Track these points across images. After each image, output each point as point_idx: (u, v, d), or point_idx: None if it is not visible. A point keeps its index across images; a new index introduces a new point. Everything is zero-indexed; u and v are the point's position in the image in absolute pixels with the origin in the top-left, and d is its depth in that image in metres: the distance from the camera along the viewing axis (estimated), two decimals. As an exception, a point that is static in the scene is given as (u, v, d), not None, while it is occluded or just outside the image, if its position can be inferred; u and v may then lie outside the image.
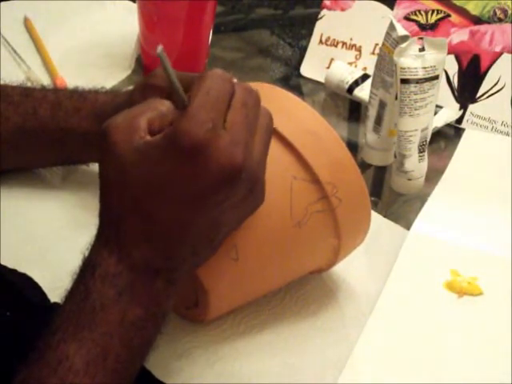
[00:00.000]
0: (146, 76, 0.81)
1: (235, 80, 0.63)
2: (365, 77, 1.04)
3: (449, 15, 1.05)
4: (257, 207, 0.64)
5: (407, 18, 1.06)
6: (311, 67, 1.09)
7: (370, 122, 0.94)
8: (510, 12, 1.03)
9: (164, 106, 0.62)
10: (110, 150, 0.60)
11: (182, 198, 0.59)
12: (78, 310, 0.60)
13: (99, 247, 0.61)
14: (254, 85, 0.76)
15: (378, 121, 0.93)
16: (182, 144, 0.58)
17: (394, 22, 0.89)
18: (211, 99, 0.59)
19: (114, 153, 0.60)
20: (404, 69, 0.86)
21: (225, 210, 0.61)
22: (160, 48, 0.58)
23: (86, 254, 0.62)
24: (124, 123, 0.61)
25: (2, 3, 1.13)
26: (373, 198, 0.89)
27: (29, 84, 0.90)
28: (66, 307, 0.61)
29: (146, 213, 0.60)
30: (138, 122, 0.60)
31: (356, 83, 1.04)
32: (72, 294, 0.61)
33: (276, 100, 0.73)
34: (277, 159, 0.70)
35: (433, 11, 1.06)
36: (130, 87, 0.85)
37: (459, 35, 1.04)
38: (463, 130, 1.01)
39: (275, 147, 0.70)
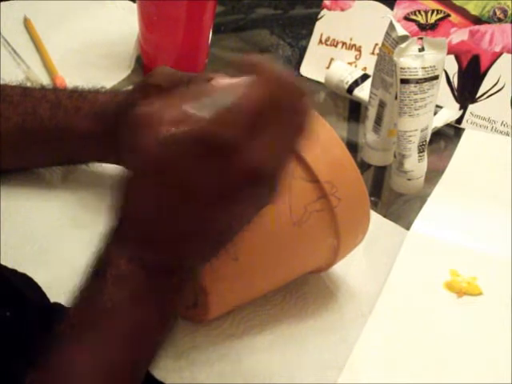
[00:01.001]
0: (146, 76, 0.81)
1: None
2: (365, 77, 1.04)
3: (449, 15, 1.05)
4: (264, 205, 0.63)
5: (407, 18, 1.06)
6: (311, 67, 1.09)
7: (370, 122, 0.94)
8: (509, 12, 1.03)
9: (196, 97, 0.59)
10: (136, 138, 0.59)
11: (202, 197, 0.58)
12: (87, 310, 0.59)
13: (112, 246, 0.60)
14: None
15: (378, 121, 0.93)
16: (212, 144, 0.56)
17: (394, 22, 0.89)
18: (248, 102, 0.57)
19: (138, 142, 0.59)
20: (404, 69, 0.86)
21: (241, 212, 0.60)
22: None
23: (97, 252, 0.61)
24: (152, 112, 0.59)
25: (2, 3, 1.13)
26: (373, 198, 0.89)
27: (28, 84, 0.90)
28: (75, 307, 0.60)
29: (169, 209, 0.58)
30: (166, 113, 0.58)
31: (356, 83, 1.04)
32: (82, 293, 0.60)
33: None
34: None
35: (433, 11, 1.06)
36: (130, 87, 0.85)
37: (459, 35, 1.04)
38: (463, 130, 1.01)
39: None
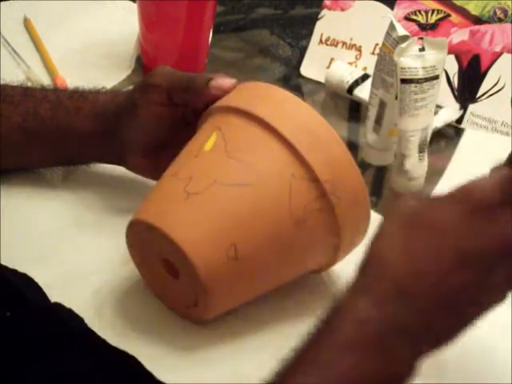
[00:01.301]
0: (146, 76, 0.81)
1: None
2: (365, 77, 1.04)
3: (449, 15, 1.05)
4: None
5: (407, 18, 1.06)
6: (311, 67, 1.09)
7: (370, 122, 0.94)
8: (510, 12, 1.03)
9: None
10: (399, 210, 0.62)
11: (464, 255, 0.59)
12: (322, 345, 0.58)
13: (356, 288, 0.60)
14: (252, 84, 0.76)
15: (378, 121, 0.93)
16: (473, 199, 0.60)
17: (394, 21, 0.89)
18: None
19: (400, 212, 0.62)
20: (404, 69, 0.86)
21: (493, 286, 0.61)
22: None
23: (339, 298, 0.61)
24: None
25: (2, 3, 1.13)
26: (373, 198, 0.89)
27: (29, 84, 0.90)
28: (310, 342, 0.60)
29: (424, 271, 0.59)
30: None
31: (356, 83, 1.04)
32: (318, 332, 0.60)
33: (274, 99, 0.73)
34: (275, 158, 0.70)
35: (433, 11, 1.06)
36: (130, 87, 0.85)
37: (459, 35, 1.04)
38: (463, 130, 1.01)
39: (273, 146, 0.70)
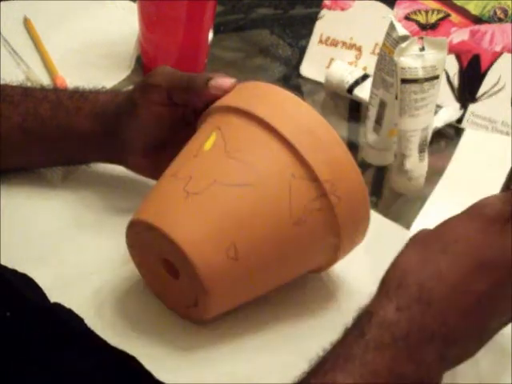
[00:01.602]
0: (146, 76, 0.81)
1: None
2: (365, 77, 1.04)
3: (449, 15, 1.05)
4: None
5: (407, 18, 1.06)
6: (311, 67, 1.09)
7: (370, 122, 0.94)
8: (510, 12, 1.03)
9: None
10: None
11: (480, 264, 0.62)
12: (350, 345, 0.61)
13: (379, 296, 0.63)
14: (252, 84, 0.76)
15: (379, 121, 0.93)
16: (485, 214, 0.63)
17: (395, 21, 0.89)
18: None
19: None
20: (404, 68, 0.86)
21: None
22: None
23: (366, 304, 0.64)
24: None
25: (2, 3, 1.13)
26: (373, 198, 0.89)
27: (29, 84, 0.90)
28: (337, 344, 0.62)
29: (443, 276, 0.62)
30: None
31: (356, 83, 1.04)
32: (345, 335, 0.63)
33: (274, 98, 0.73)
34: (275, 158, 0.70)
35: (433, 11, 1.06)
36: (130, 87, 0.85)
37: (459, 35, 1.04)
38: (463, 129, 1.01)
39: (273, 146, 0.70)
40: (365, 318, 0.62)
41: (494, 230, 0.63)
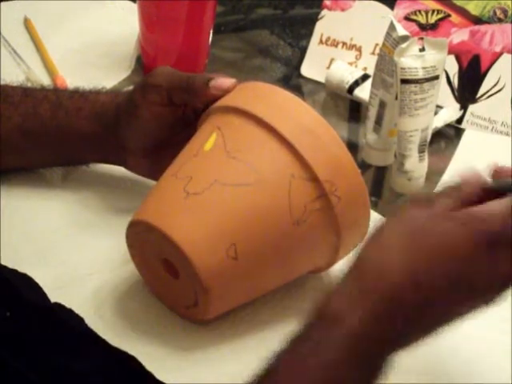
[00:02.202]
0: (146, 76, 0.81)
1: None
2: (365, 77, 1.04)
3: (449, 15, 1.05)
4: None
5: (407, 18, 1.06)
6: (311, 67, 1.09)
7: (370, 122, 0.94)
8: (510, 12, 1.03)
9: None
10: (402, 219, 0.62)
11: (458, 282, 0.60)
12: (303, 354, 0.59)
13: (342, 303, 0.59)
14: (252, 84, 0.76)
15: (378, 121, 0.93)
16: (479, 230, 0.59)
17: (395, 22, 0.89)
18: None
19: (406, 221, 0.61)
20: (404, 69, 0.86)
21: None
22: None
23: (321, 303, 0.61)
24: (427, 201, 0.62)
25: (2, 3, 1.13)
26: (373, 198, 0.89)
27: (29, 84, 0.90)
28: (290, 348, 0.60)
29: (425, 297, 0.60)
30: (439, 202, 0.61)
31: (356, 83, 1.04)
32: (299, 341, 0.60)
33: (274, 99, 0.73)
34: (275, 158, 0.70)
35: (433, 11, 1.06)
36: (130, 87, 0.85)
37: (459, 35, 1.04)
38: (463, 130, 1.01)
39: (273, 146, 0.70)
40: (324, 321, 0.59)
41: (485, 252, 0.60)
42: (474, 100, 1.02)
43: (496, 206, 0.61)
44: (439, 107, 1.00)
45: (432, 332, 0.62)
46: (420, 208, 0.62)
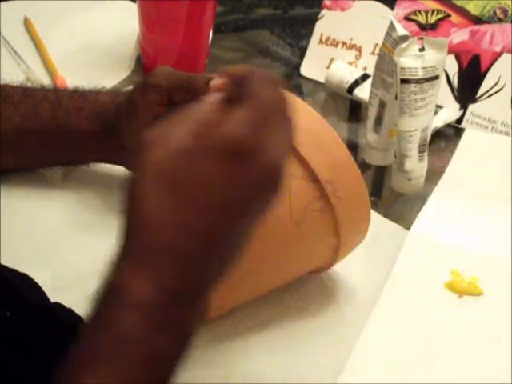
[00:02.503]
0: (146, 76, 0.81)
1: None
2: (365, 77, 1.04)
3: (449, 15, 1.05)
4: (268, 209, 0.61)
5: (407, 18, 1.06)
6: (311, 67, 1.09)
7: (370, 122, 0.94)
8: (510, 12, 1.03)
9: (206, 110, 0.59)
10: (149, 163, 0.57)
11: (222, 207, 0.56)
12: (99, 339, 0.55)
13: (125, 269, 0.57)
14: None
15: (378, 121, 0.93)
16: (227, 146, 0.56)
17: (394, 22, 0.89)
18: (259, 105, 0.57)
19: (152, 166, 0.57)
20: (404, 69, 0.86)
21: (255, 218, 0.59)
22: None
23: (108, 274, 0.58)
24: (164, 135, 0.58)
25: (2, 3, 1.13)
26: (373, 198, 0.89)
27: (29, 84, 0.90)
28: (87, 336, 0.57)
29: (184, 225, 0.56)
30: (178, 132, 0.57)
31: (356, 83, 1.04)
32: (94, 320, 0.57)
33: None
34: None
35: (433, 11, 1.06)
36: (130, 87, 0.85)
37: (459, 35, 1.04)
38: (463, 129, 1.01)
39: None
40: (113, 297, 0.55)
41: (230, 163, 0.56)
42: (473, 100, 1.02)
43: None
44: (439, 107, 1.00)
45: (224, 267, 0.59)
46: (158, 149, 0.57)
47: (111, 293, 0.56)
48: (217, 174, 0.56)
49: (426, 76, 0.87)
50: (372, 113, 0.93)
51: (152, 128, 0.58)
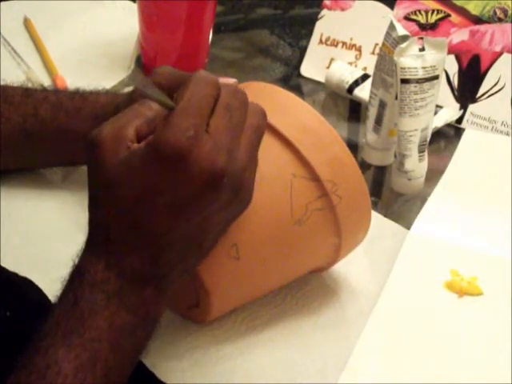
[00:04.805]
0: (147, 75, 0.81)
1: (223, 80, 0.63)
2: (365, 77, 1.04)
3: (449, 15, 1.05)
4: (243, 209, 0.64)
5: (407, 18, 1.06)
6: (311, 67, 1.09)
7: (370, 122, 0.94)
8: (510, 12, 1.03)
9: (151, 111, 0.62)
10: (98, 161, 0.60)
11: (166, 206, 0.59)
12: (66, 315, 0.60)
13: (88, 254, 0.62)
14: (252, 84, 0.76)
15: (378, 121, 0.93)
16: (164, 152, 0.58)
17: (394, 21, 0.89)
18: (193, 105, 0.59)
19: (101, 164, 0.60)
20: (404, 69, 0.86)
21: (210, 215, 0.61)
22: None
23: (76, 260, 0.62)
24: (110, 134, 0.61)
25: (2, 3, 1.13)
26: (373, 198, 0.89)
27: (29, 84, 0.90)
28: (55, 313, 0.61)
29: (133, 222, 0.60)
30: (124, 132, 0.61)
31: (356, 83, 1.04)
32: (61, 300, 0.61)
33: (274, 98, 0.73)
34: (276, 157, 0.70)
35: (433, 11, 1.06)
36: (130, 87, 0.85)
37: (459, 35, 1.04)
38: (463, 130, 1.01)
39: (274, 145, 0.70)
40: (77, 278, 0.61)
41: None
42: (473, 100, 1.03)
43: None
44: (439, 107, 1.00)
45: (186, 256, 0.62)
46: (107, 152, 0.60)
47: (78, 274, 0.61)
48: (156, 176, 0.59)
49: (426, 76, 0.87)
50: (372, 113, 0.93)
51: (96, 129, 0.62)
